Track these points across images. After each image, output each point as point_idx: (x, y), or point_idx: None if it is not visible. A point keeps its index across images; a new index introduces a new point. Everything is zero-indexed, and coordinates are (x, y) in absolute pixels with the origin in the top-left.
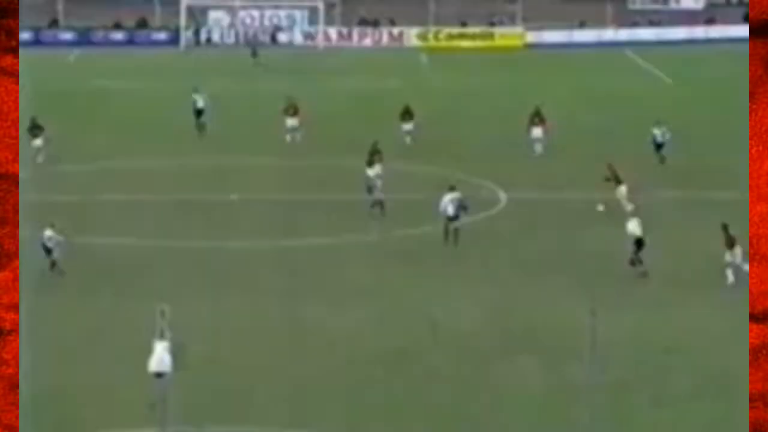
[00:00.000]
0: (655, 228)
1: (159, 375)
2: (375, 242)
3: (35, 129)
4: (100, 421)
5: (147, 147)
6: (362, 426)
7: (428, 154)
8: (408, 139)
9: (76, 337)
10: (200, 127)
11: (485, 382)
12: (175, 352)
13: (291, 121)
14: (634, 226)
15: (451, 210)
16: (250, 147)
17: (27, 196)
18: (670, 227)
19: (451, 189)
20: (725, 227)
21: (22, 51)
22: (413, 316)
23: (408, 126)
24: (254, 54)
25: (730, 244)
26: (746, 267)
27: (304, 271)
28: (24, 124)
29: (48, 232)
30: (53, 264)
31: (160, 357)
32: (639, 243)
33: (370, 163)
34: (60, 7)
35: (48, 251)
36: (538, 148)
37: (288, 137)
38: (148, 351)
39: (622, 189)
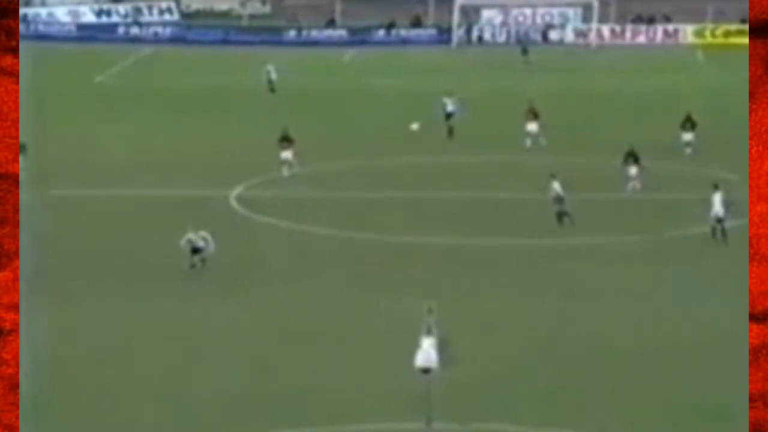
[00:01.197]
0: None
1: (425, 371)
2: (639, 243)
3: (285, 141)
4: (365, 416)
5: (408, 145)
6: (616, 429)
7: (703, 153)
8: (688, 150)
9: (328, 331)
10: (449, 130)
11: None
12: (440, 349)
13: (530, 126)
14: None
15: (721, 211)
16: (509, 145)
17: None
18: None
19: (716, 188)
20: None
21: (298, 50)
22: (672, 318)
23: (689, 136)
24: (524, 52)
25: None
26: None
27: (562, 271)
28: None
29: (191, 234)
30: (196, 263)
31: (426, 353)
32: None
33: (626, 163)
34: (337, 6)
35: (196, 251)
36: None
37: (527, 141)
38: (410, 345)
39: None
